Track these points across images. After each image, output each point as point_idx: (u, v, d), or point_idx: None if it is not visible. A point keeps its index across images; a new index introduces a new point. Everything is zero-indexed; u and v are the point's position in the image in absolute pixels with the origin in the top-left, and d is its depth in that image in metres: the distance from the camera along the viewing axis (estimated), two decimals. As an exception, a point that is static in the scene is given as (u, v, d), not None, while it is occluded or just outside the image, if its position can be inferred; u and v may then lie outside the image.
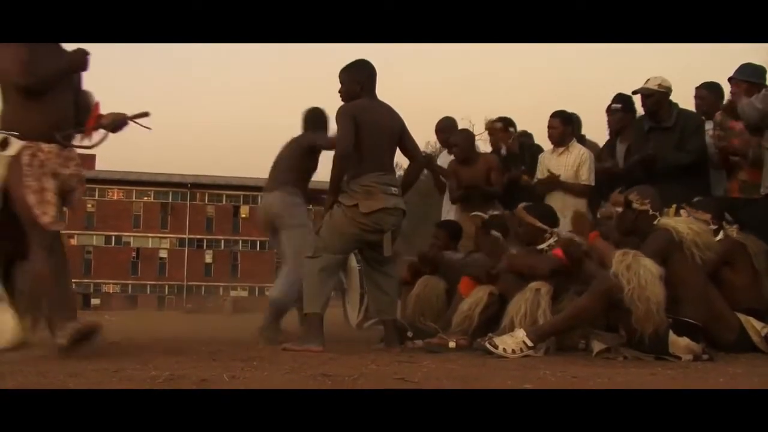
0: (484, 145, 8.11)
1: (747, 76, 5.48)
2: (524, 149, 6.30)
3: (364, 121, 4.46)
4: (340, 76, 4.69)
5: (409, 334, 4.69)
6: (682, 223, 3.97)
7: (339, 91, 4.67)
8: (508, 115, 6.48)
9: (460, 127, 6.78)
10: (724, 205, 4.87)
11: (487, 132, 6.39)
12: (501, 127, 6.32)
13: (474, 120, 24.29)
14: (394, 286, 4.74)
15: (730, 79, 5.53)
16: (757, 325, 4.22)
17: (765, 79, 5.51)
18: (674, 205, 4.15)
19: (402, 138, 4.71)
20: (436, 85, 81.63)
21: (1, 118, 3.91)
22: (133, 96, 77.77)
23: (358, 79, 4.61)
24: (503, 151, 6.25)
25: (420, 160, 4.96)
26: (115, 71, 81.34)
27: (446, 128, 6.54)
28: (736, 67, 5.50)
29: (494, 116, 6.52)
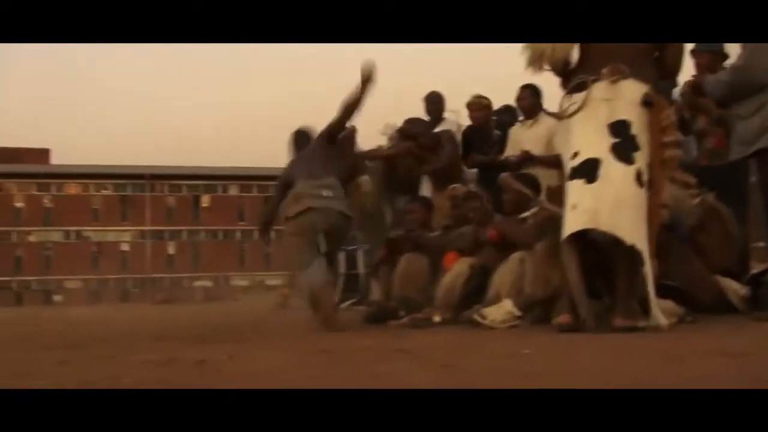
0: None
1: (709, 48, 5.57)
2: (504, 127, 6.33)
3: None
4: None
5: (401, 313, 4.73)
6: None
7: None
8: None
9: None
10: (695, 172, 4.97)
11: (469, 108, 6.39)
12: (487, 104, 6.35)
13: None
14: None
15: (692, 52, 5.61)
16: (736, 286, 4.32)
17: (724, 50, 5.61)
18: None
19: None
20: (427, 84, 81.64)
21: None
22: (86, 85, 76.47)
23: None
24: (496, 132, 6.28)
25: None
26: (67, 59, 79.95)
27: (433, 100, 6.55)
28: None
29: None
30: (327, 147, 4.89)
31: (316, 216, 4.60)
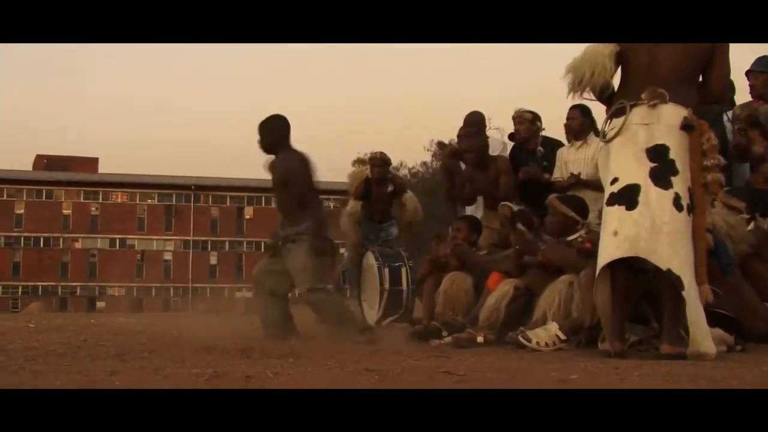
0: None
1: (765, 67, 5.49)
2: (547, 148, 6.27)
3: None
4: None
5: (444, 334, 4.72)
6: (715, 215, 3.98)
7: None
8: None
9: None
10: (749, 196, 4.88)
11: (514, 120, 6.33)
12: (530, 119, 6.27)
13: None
14: None
15: (747, 73, 5.55)
16: (791, 314, 4.23)
17: None
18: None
19: None
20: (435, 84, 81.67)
21: None
22: (134, 96, 77.90)
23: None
24: (539, 149, 6.21)
25: None
26: (118, 70, 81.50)
27: (474, 123, 6.57)
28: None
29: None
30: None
31: None
